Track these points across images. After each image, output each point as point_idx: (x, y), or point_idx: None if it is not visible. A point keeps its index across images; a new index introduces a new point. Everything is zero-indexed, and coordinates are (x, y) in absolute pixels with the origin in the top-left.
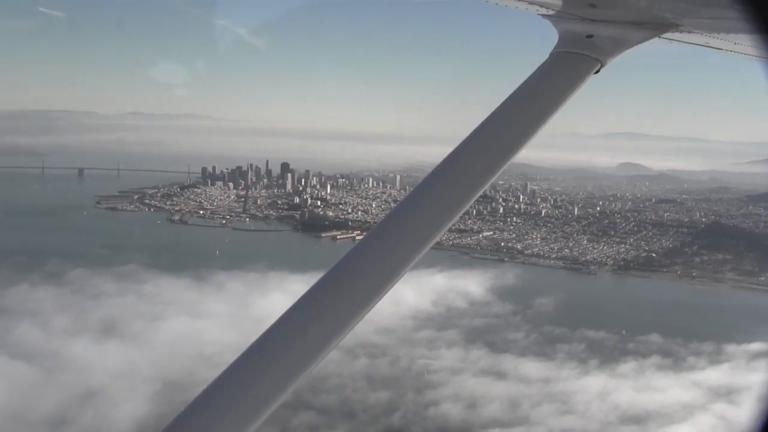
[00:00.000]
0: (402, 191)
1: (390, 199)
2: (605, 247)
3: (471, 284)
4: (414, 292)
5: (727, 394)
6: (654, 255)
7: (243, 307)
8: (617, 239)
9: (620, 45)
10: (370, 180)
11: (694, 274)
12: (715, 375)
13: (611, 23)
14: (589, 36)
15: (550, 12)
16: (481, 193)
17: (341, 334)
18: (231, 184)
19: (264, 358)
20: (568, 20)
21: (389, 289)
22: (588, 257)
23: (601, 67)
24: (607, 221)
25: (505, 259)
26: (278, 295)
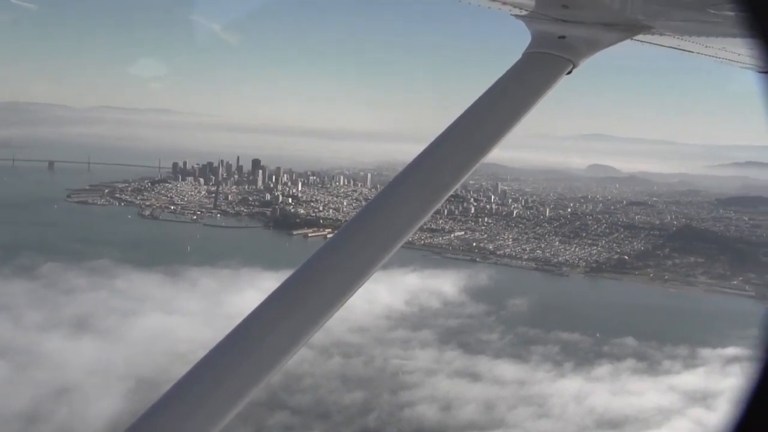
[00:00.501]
0: (373, 189)
1: (361, 198)
2: (577, 249)
3: (444, 284)
4: (387, 292)
5: (703, 398)
6: (626, 257)
7: (216, 304)
8: (589, 241)
9: (592, 46)
10: (341, 178)
11: (666, 277)
12: (690, 379)
13: (584, 24)
14: (562, 37)
15: (523, 12)
16: (452, 192)
17: (312, 331)
18: (202, 180)
19: (234, 353)
20: (540, 21)
21: (359, 287)
22: (560, 259)
23: (574, 67)
24: (578, 223)
25: (477, 259)
26: (252, 292)
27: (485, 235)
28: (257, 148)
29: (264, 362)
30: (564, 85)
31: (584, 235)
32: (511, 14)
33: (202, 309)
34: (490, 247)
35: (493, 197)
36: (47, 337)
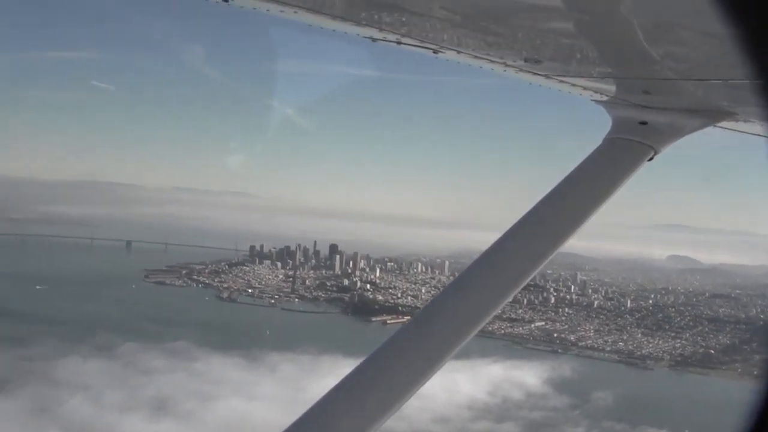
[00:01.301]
0: (451, 277)
1: (439, 285)
2: (660, 342)
3: (526, 375)
4: (469, 382)
5: None
6: (712, 351)
7: (296, 391)
8: (672, 334)
9: (674, 133)
10: (419, 265)
11: (755, 372)
12: None
13: (666, 110)
14: (643, 123)
15: (604, 98)
16: (529, 280)
17: (384, 419)
18: (279, 264)
19: None
20: (621, 106)
21: (434, 374)
22: (644, 351)
23: (655, 154)
24: (660, 315)
25: (559, 350)
26: (332, 379)
27: (566, 326)
28: (333, 233)
29: None
30: (641, 172)
31: (667, 327)
32: (591, 99)
33: (282, 395)
34: (572, 338)
35: (572, 287)
36: (127, 417)
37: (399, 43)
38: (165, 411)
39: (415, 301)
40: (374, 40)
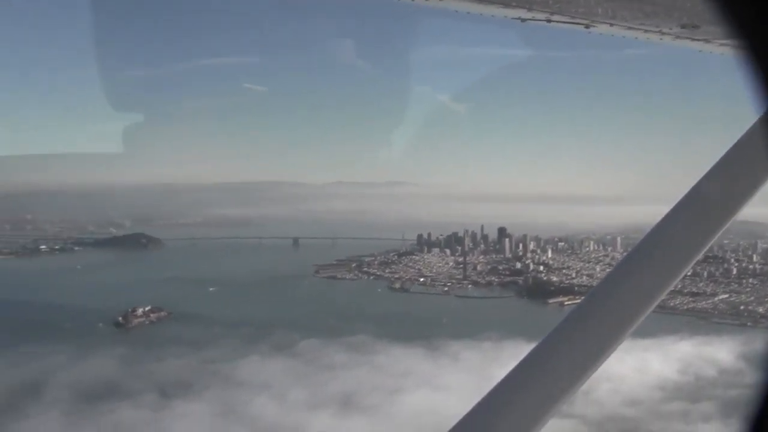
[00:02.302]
0: (623, 253)
1: (613, 263)
2: None
3: (718, 351)
4: (658, 361)
5: None
6: None
7: (483, 379)
8: None
9: None
10: (590, 243)
11: None
12: None
13: None
14: None
15: None
16: (702, 253)
17: (561, 399)
18: (447, 251)
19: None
20: None
21: (610, 353)
22: None
23: None
24: None
25: (749, 323)
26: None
27: (752, 298)
28: (498, 216)
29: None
30: None
31: None
32: None
33: (468, 384)
34: (760, 310)
35: (754, 256)
36: (315, 415)
37: (549, 21)
38: (351, 407)
39: (590, 280)
40: (523, 20)
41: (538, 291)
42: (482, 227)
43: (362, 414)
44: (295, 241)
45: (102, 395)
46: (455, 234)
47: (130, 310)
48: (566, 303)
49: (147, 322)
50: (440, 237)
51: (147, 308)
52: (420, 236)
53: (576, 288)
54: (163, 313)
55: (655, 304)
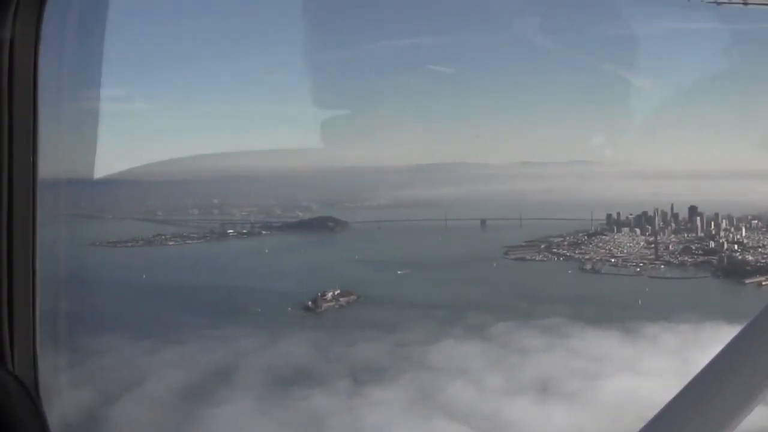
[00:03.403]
0: None
1: None
2: None
3: None
4: None
5: None
6: None
7: (684, 363)
8: None
9: None
10: None
11: None
12: None
13: None
14: None
15: None
16: None
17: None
18: (637, 230)
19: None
20: None
21: None
22: None
23: None
24: None
25: None
26: (718, 349)
27: None
28: (687, 195)
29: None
30: None
31: None
32: None
33: (669, 368)
34: None
35: None
36: (512, 401)
37: (746, 3)
38: (550, 392)
39: None
40: (719, 3)
41: (734, 271)
42: (672, 206)
43: (562, 400)
44: (483, 222)
45: (294, 381)
46: (645, 213)
47: (319, 294)
48: (764, 283)
49: (336, 306)
50: (629, 216)
51: (336, 292)
52: (609, 216)
53: None
54: (352, 297)
55: None
